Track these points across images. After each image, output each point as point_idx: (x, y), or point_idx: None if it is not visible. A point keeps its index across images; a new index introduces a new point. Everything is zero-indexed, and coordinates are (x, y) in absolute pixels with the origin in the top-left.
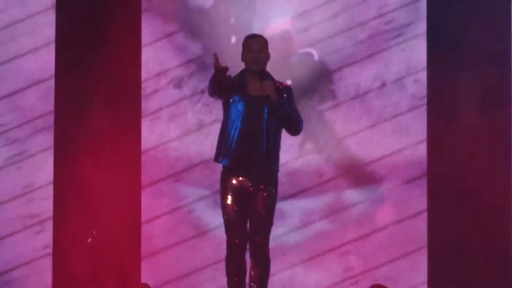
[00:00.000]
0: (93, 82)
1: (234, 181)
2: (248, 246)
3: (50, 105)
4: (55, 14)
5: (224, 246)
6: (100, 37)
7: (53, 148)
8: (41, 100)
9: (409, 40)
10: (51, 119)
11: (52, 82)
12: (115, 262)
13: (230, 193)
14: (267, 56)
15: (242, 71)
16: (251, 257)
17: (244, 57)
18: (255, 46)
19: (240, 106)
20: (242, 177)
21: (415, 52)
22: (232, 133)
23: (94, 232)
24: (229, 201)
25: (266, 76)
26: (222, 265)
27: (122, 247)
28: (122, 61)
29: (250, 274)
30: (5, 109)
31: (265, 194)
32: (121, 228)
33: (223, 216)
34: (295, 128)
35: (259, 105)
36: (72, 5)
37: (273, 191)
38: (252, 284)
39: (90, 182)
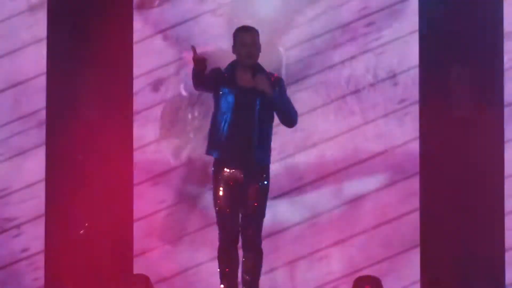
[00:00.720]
0: (84, 79)
1: (225, 173)
2: (240, 238)
3: (25, 108)
4: (39, 12)
5: (203, 251)
6: (92, 33)
7: (42, 147)
8: (17, 104)
9: (395, 40)
10: (26, 123)
11: (26, 87)
12: (109, 256)
13: (222, 185)
14: (259, 48)
15: (232, 63)
16: (243, 249)
17: (235, 50)
18: (248, 40)
19: (230, 98)
20: (234, 168)
21: (401, 51)
22: (223, 125)
23: (87, 224)
24: (220, 193)
25: (258, 69)
26: (200, 269)
27: (115, 241)
28: (114, 57)
29: (243, 266)
30: None
31: (257, 186)
32: (113, 222)
33: (215, 208)
34: (290, 120)
35: (250, 96)
36: (63, 1)
37: (265, 182)
38: (245, 275)
39: (82, 177)
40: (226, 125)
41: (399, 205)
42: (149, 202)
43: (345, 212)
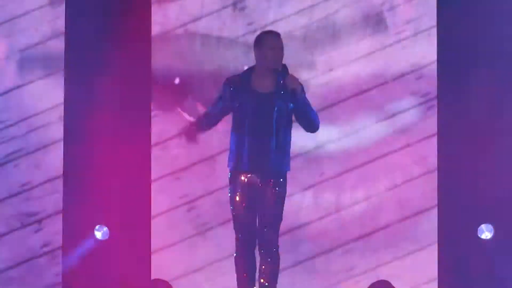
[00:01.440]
0: (103, 73)
1: (243, 177)
2: (257, 242)
3: (46, 103)
4: (59, 7)
5: (224, 246)
6: (110, 29)
7: (62, 142)
8: (38, 98)
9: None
10: (47, 117)
11: (49, 80)
12: (127, 252)
13: (239, 189)
14: (283, 54)
15: (250, 69)
16: (260, 253)
17: (260, 54)
18: (276, 44)
19: (246, 105)
20: (251, 173)
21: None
22: (240, 137)
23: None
24: (238, 198)
25: (287, 70)
26: (221, 264)
27: (133, 237)
28: (132, 51)
29: (260, 270)
30: (2, 106)
31: (274, 190)
32: (131, 218)
33: (232, 213)
34: (313, 123)
35: (268, 101)
36: None
37: (283, 187)
38: (262, 280)
39: (99, 175)
40: (244, 136)
41: (418, 201)
42: (170, 197)
43: (361, 210)
